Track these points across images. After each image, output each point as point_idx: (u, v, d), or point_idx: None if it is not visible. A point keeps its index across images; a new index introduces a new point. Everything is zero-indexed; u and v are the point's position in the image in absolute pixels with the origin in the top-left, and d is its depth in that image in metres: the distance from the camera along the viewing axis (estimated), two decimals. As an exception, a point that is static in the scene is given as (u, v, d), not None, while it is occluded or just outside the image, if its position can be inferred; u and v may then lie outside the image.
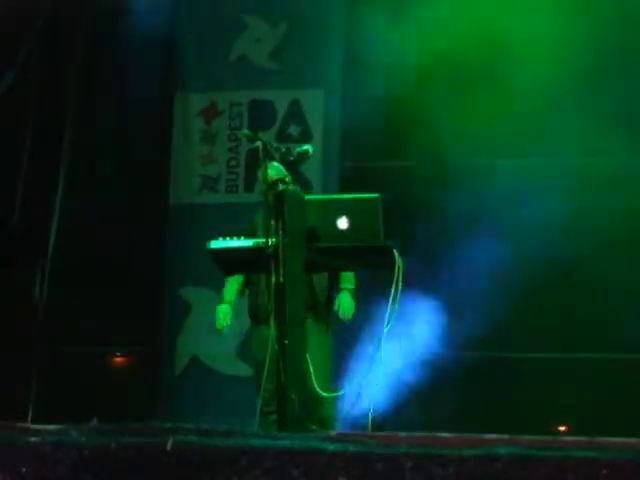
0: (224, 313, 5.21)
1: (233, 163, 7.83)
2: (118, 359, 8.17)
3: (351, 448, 2.46)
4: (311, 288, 4.95)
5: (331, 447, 2.46)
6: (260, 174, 4.91)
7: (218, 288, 7.35)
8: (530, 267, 6.91)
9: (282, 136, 7.59)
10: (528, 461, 2.28)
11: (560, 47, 6.88)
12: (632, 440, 3.10)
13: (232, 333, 7.32)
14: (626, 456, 2.19)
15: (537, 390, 7.15)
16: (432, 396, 6.80)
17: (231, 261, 4.70)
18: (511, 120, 6.89)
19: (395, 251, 4.42)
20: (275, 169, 4.88)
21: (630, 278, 6.93)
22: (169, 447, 2.43)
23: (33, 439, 2.51)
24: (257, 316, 5.04)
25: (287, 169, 5.01)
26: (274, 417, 4.54)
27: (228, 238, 4.59)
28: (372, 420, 4.36)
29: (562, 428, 7.16)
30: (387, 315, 4.37)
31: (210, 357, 7.54)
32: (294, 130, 7.72)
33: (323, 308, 5.07)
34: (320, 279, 5.04)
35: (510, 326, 7.18)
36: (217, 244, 4.61)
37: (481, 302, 6.71)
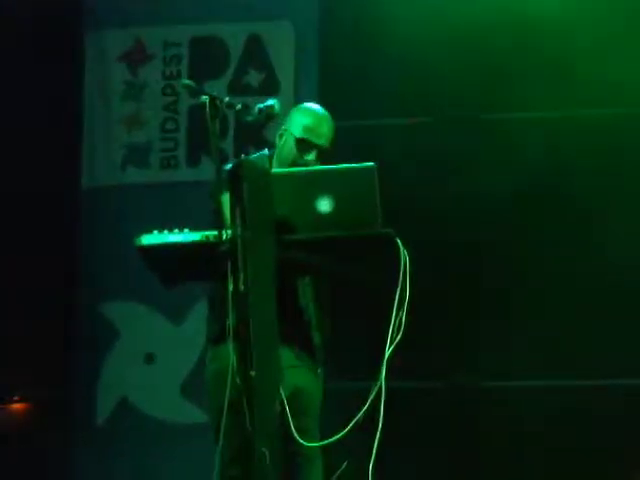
0: None
1: (170, 126, 7.82)
2: (16, 407, 8.10)
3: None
4: (287, 298, 4.69)
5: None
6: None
7: (154, 302, 7.52)
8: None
9: (237, 87, 7.66)
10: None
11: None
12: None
13: (175, 363, 7.52)
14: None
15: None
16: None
17: (170, 263, 4.47)
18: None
19: (398, 241, 4.25)
20: None
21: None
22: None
23: None
24: (223, 330, 4.61)
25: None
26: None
27: (166, 231, 4.37)
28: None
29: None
30: (390, 331, 4.22)
31: (144, 398, 7.55)
32: (254, 78, 7.75)
33: (307, 326, 4.94)
34: (301, 285, 4.92)
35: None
36: (150, 239, 4.37)
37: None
